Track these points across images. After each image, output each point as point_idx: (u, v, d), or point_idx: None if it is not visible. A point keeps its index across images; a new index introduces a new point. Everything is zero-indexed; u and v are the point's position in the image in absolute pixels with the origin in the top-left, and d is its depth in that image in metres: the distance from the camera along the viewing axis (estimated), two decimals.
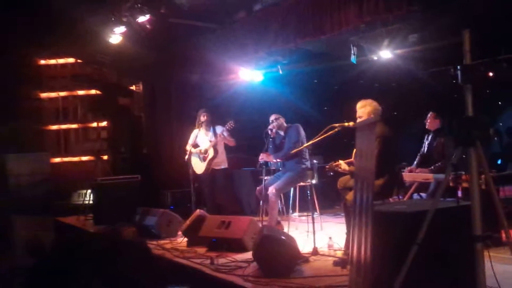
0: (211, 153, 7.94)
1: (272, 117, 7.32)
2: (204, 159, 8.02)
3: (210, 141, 7.96)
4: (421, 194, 7.15)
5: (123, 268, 0.93)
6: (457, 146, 3.46)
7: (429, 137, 7.42)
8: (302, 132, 7.12)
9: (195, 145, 8.17)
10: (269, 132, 7.17)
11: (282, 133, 7.29)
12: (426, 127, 7.46)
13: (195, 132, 8.23)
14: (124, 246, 1.24)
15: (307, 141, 6.91)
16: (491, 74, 7.85)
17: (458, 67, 3.44)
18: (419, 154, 7.46)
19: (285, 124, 7.31)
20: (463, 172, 5.24)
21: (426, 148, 7.38)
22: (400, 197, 5.95)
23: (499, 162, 9.21)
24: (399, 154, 6.49)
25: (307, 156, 7.18)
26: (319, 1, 7.06)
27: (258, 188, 7.20)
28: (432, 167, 7.01)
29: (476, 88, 3.44)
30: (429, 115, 7.44)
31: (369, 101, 5.49)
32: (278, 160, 7.34)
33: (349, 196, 5.33)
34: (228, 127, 7.77)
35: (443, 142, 7.13)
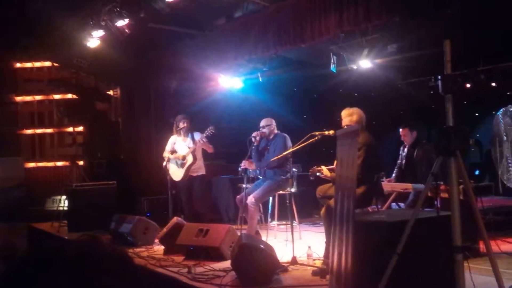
0: (189, 159, 7.85)
1: (262, 123, 7.17)
2: (182, 166, 7.91)
3: (189, 148, 7.87)
4: (399, 204, 7.17)
5: (100, 278, 0.87)
6: (437, 156, 3.47)
7: (405, 149, 7.40)
8: (289, 144, 6.95)
9: (173, 152, 8.07)
10: (253, 139, 7.08)
11: (270, 138, 7.17)
12: (403, 140, 7.45)
13: (172, 138, 8.13)
14: (102, 255, 1.17)
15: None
16: (468, 85, 7.96)
17: (439, 77, 3.45)
18: (396, 167, 7.46)
19: (275, 131, 7.21)
20: (441, 182, 5.27)
21: (404, 160, 7.38)
22: (379, 206, 5.95)
23: (476, 173, 9.31)
24: (379, 163, 6.50)
25: (289, 167, 7.07)
26: (299, 9, 7.08)
27: (238, 196, 7.13)
28: None
29: (454, 99, 3.45)
30: (401, 130, 7.40)
31: (355, 109, 5.47)
32: (259, 168, 7.27)
33: (325, 207, 5.31)
34: (208, 133, 7.69)
35: (425, 152, 7.08)
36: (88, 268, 1.03)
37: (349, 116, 5.40)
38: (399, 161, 7.47)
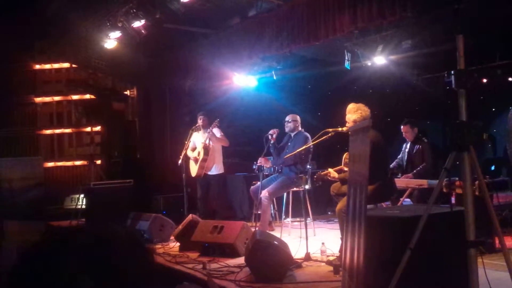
0: (201, 154, 7.98)
1: (288, 118, 7.25)
2: (196, 161, 8.06)
3: (202, 143, 8.01)
4: (406, 199, 7.14)
5: (113, 262, 0.89)
6: (450, 151, 3.45)
7: (408, 145, 7.51)
8: (309, 143, 6.90)
9: (194, 149, 8.22)
10: (269, 137, 7.11)
11: (292, 135, 7.21)
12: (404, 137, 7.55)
13: (194, 135, 8.26)
14: (116, 240, 1.18)
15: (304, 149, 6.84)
16: (485, 80, 7.89)
17: (452, 72, 3.43)
18: (395, 161, 7.53)
19: (299, 128, 7.25)
20: (457, 178, 5.24)
21: (406, 156, 7.50)
22: (389, 203, 5.94)
23: (492, 168, 9.22)
24: (389, 159, 6.53)
25: (305, 165, 7.07)
26: (313, 7, 7.08)
27: (252, 187, 7.16)
28: (414, 171, 7.12)
29: (469, 94, 3.43)
30: (403, 127, 7.46)
31: (358, 105, 5.46)
32: (275, 165, 7.30)
33: (339, 204, 5.31)
34: (214, 125, 7.86)
35: (423, 148, 7.27)
36: (101, 252, 1.05)
37: (349, 113, 5.40)
38: (399, 156, 7.61)
